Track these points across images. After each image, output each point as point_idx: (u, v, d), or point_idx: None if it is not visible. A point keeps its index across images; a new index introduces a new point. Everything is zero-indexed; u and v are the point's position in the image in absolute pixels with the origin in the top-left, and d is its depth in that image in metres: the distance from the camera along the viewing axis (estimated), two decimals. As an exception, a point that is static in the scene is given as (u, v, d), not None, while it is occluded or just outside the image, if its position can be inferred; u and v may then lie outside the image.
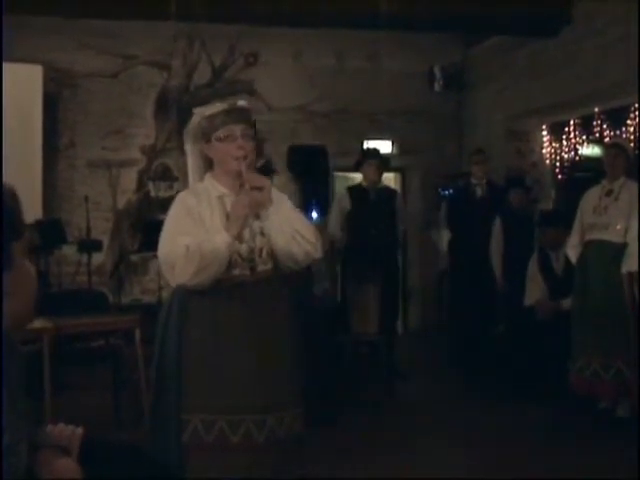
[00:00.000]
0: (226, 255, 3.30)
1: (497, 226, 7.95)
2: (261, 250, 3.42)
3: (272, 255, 3.44)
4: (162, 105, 10.01)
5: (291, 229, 3.38)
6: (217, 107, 3.52)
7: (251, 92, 10.21)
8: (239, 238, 3.37)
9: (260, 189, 3.36)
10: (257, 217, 3.40)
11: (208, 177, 3.56)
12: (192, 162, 3.64)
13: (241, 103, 3.58)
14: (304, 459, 3.59)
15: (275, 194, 3.52)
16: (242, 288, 3.41)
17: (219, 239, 3.30)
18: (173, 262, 3.34)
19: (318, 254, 3.50)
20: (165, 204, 8.87)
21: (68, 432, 2.13)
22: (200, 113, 3.54)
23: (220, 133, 3.45)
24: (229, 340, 3.37)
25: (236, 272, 3.39)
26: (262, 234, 3.42)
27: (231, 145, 3.43)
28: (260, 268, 3.42)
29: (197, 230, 3.34)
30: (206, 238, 3.30)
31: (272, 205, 3.39)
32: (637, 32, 7.14)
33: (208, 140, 3.49)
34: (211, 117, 3.49)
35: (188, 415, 3.36)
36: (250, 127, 3.51)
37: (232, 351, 3.36)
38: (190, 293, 3.44)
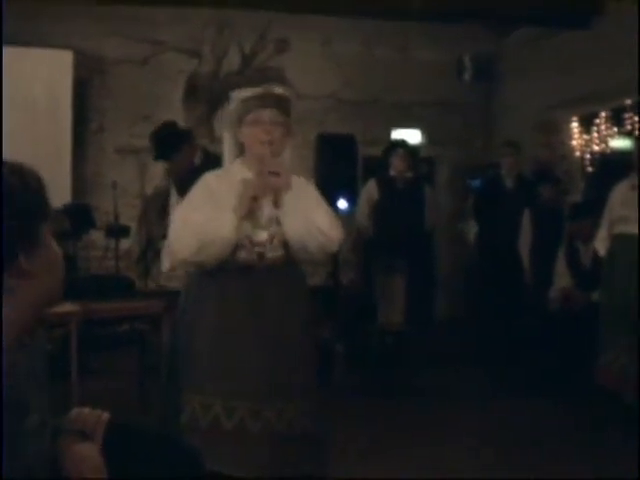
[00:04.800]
0: (230, 236, 3.30)
1: (526, 219, 7.91)
2: (273, 237, 3.41)
3: (284, 244, 3.42)
4: (191, 92, 10.01)
5: (306, 220, 3.36)
6: (251, 91, 3.54)
7: (281, 79, 10.18)
8: (254, 222, 3.36)
9: (277, 174, 3.35)
10: (275, 204, 3.39)
11: (237, 161, 3.58)
12: (226, 146, 3.65)
13: (277, 90, 3.59)
14: (320, 459, 3.55)
15: (300, 182, 3.52)
16: (249, 273, 3.41)
17: (225, 218, 3.31)
18: (179, 238, 3.36)
19: (333, 247, 3.49)
20: (193, 191, 8.90)
21: (94, 417, 2.13)
22: (236, 97, 3.56)
23: (250, 117, 3.46)
24: (232, 325, 3.38)
25: (242, 255, 3.39)
26: (277, 222, 3.41)
27: (258, 129, 3.44)
28: (269, 255, 3.42)
29: (210, 210, 3.35)
30: (213, 217, 3.31)
31: (291, 192, 3.38)
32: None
33: (240, 124, 3.50)
34: (245, 101, 3.51)
35: (188, 396, 3.39)
36: (282, 114, 3.49)
37: (234, 336, 3.37)
38: (201, 276, 3.46)
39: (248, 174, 3.45)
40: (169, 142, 5.82)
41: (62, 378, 4.91)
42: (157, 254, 9.25)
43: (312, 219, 3.37)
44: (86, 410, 2.15)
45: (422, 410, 6.44)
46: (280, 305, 3.43)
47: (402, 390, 7.00)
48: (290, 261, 3.47)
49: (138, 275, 8.66)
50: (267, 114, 3.44)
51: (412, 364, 7.44)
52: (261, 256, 3.40)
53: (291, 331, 3.44)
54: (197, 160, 5.79)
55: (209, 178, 3.55)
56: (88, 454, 1.99)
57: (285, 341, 3.41)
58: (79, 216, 8.22)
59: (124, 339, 6.95)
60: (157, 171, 9.82)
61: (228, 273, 3.40)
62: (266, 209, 3.42)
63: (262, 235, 3.40)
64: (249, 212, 3.36)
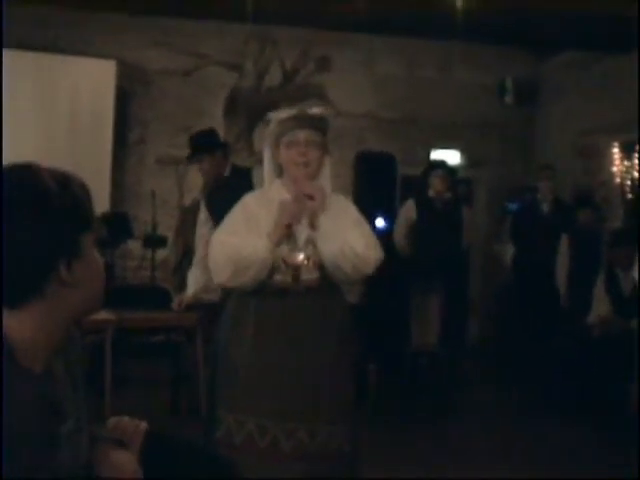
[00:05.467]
0: (265, 260, 3.31)
1: (564, 244, 7.88)
2: (309, 259, 3.39)
3: (320, 265, 3.40)
4: (232, 106, 10.05)
5: (341, 241, 3.33)
6: (287, 112, 3.53)
7: (321, 96, 10.22)
8: (291, 245, 3.37)
9: (312, 197, 3.35)
10: (311, 226, 3.38)
11: (276, 182, 3.57)
12: (266, 167, 3.63)
13: (313, 110, 3.57)
14: (353, 477, 3.53)
15: (339, 201, 3.52)
16: (285, 295, 3.40)
17: (260, 244, 3.31)
18: (216, 262, 3.37)
19: (369, 268, 3.44)
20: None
21: (132, 426, 2.13)
22: (273, 118, 3.56)
23: (285, 138, 3.46)
24: (268, 345, 3.38)
25: (278, 278, 3.39)
26: (313, 243, 3.39)
27: (293, 150, 3.44)
28: (305, 277, 3.40)
29: (248, 233, 3.37)
30: (248, 242, 3.32)
31: (327, 213, 3.37)
32: None
33: (277, 146, 3.50)
34: (280, 122, 3.50)
35: (224, 412, 3.40)
36: (318, 134, 3.48)
37: (269, 356, 3.37)
38: (239, 295, 3.47)
39: (286, 195, 3.45)
40: (205, 144, 5.93)
41: (95, 385, 4.94)
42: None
43: (347, 240, 3.33)
44: (125, 419, 2.15)
45: (456, 430, 6.42)
46: (316, 327, 3.41)
47: (436, 411, 6.98)
48: (327, 282, 3.45)
49: (174, 286, 8.68)
50: (302, 135, 3.43)
51: (445, 385, 7.41)
52: (296, 278, 3.39)
53: (327, 353, 3.41)
54: (227, 172, 5.88)
55: (248, 200, 3.56)
56: (126, 463, 1.99)
57: (321, 363, 3.39)
58: (117, 225, 8.28)
59: (159, 349, 6.97)
60: (196, 182, 9.85)
61: (265, 294, 3.41)
62: (303, 231, 3.41)
63: (298, 257, 3.39)
64: (284, 236, 3.36)
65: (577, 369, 6.95)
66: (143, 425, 2.15)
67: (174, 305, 5.68)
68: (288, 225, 3.35)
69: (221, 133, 9.88)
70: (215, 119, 9.94)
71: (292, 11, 7.95)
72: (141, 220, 8.92)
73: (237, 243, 3.35)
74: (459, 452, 5.76)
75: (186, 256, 9.25)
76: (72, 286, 1.70)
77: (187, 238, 9.64)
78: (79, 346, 1.99)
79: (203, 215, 5.76)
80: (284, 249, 3.37)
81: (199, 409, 5.55)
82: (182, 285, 6.17)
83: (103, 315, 5.24)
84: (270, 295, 3.40)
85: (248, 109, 9.99)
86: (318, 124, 3.51)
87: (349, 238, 3.35)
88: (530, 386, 7.58)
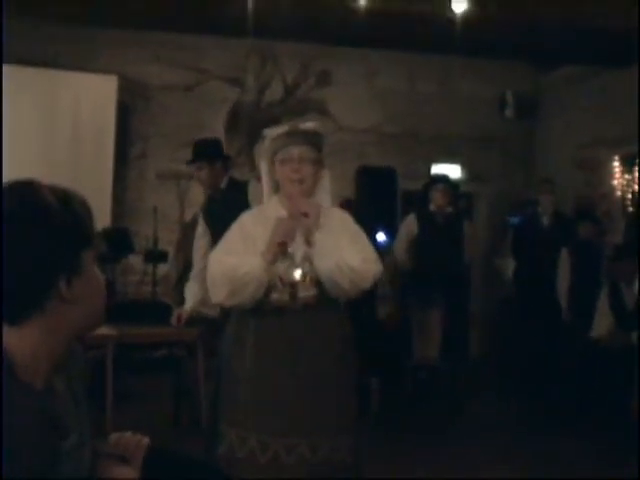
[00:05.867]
0: (260, 279, 3.30)
1: (564, 257, 7.88)
2: (306, 276, 3.38)
3: (318, 282, 3.38)
4: (233, 120, 10.07)
5: (337, 256, 3.31)
6: (280, 129, 3.53)
7: (322, 111, 10.24)
8: (289, 262, 3.36)
9: (306, 215, 3.35)
10: (307, 243, 3.37)
11: (274, 199, 3.57)
12: (264, 183, 3.64)
13: (307, 125, 3.56)
14: None
15: (336, 216, 3.52)
16: (283, 313, 3.39)
17: (255, 263, 3.30)
18: (213, 281, 3.38)
19: (366, 283, 3.42)
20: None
21: (134, 442, 2.13)
22: (268, 135, 3.55)
23: (280, 155, 3.47)
24: (268, 362, 3.38)
25: (275, 296, 3.38)
26: (310, 260, 3.38)
27: (287, 167, 3.44)
28: (302, 294, 3.38)
29: (245, 251, 3.36)
30: (243, 261, 3.31)
31: (323, 229, 3.37)
32: None
33: (273, 162, 3.51)
34: (275, 139, 3.50)
35: (226, 428, 3.41)
36: (312, 150, 3.48)
37: (270, 373, 3.37)
38: (240, 312, 3.46)
39: (282, 212, 3.45)
40: (207, 151, 5.95)
41: (96, 400, 4.93)
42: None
43: (343, 256, 3.31)
44: (127, 434, 2.15)
45: (457, 443, 6.41)
46: (315, 344, 3.39)
47: (437, 424, 6.97)
48: (325, 299, 3.42)
49: (175, 301, 8.68)
50: (296, 152, 3.43)
51: (446, 399, 7.40)
52: (293, 296, 3.37)
53: (327, 369, 3.40)
54: (223, 184, 5.90)
55: (245, 219, 3.57)
56: (128, 478, 1.99)
57: (321, 379, 3.38)
58: (118, 240, 8.28)
59: (160, 364, 6.98)
60: (197, 197, 9.87)
61: (264, 312, 3.40)
62: (299, 248, 3.39)
63: (296, 274, 3.37)
64: (279, 254, 3.35)
65: (579, 382, 6.95)
66: (145, 440, 2.14)
67: (173, 320, 5.69)
68: (282, 243, 3.34)
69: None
70: (216, 134, 9.93)
71: (293, 26, 7.97)
72: (142, 235, 8.92)
73: (234, 262, 3.34)
74: (460, 465, 5.75)
75: (187, 271, 9.27)
76: (72, 302, 1.70)
77: (188, 253, 9.65)
78: (81, 361, 1.99)
79: (201, 228, 5.82)
80: (281, 267, 3.36)
81: (200, 423, 5.55)
82: (183, 300, 6.18)
83: (104, 330, 5.25)
84: (269, 313, 3.39)
85: (249, 124, 10.01)
86: (312, 140, 3.50)
87: (345, 253, 3.32)
88: (531, 399, 7.58)
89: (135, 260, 8.92)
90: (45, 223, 1.64)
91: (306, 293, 3.38)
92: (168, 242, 8.91)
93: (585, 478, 5.45)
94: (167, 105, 9.78)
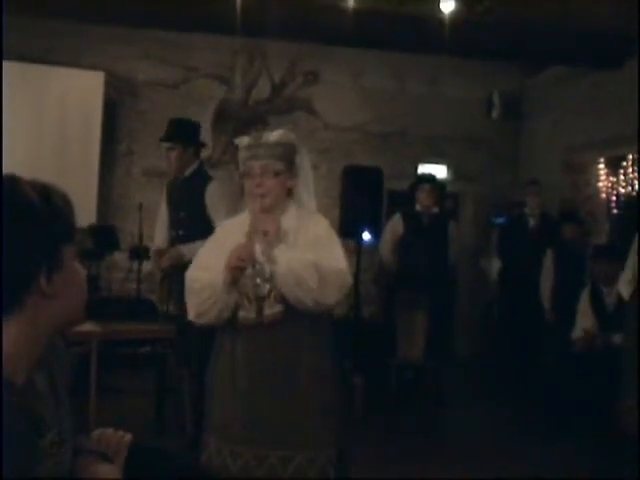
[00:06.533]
0: (224, 301, 3.30)
1: (548, 258, 7.91)
2: (270, 293, 3.33)
3: (283, 298, 3.32)
4: (220, 118, 10.06)
5: (295, 274, 3.24)
6: (245, 140, 3.45)
7: (309, 110, 10.25)
8: (256, 278, 3.32)
9: (266, 232, 3.32)
10: (269, 260, 3.31)
11: (247, 210, 3.53)
12: (245, 192, 3.56)
13: (271, 136, 3.43)
14: None
15: (310, 228, 3.44)
16: (252, 330, 3.36)
17: (217, 285, 3.28)
18: (188, 297, 3.41)
19: (328, 300, 3.33)
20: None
21: (116, 438, 2.12)
22: (238, 144, 3.49)
23: (244, 168, 3.43)
24: (239, 378, 3.37)
25: (242, 314, 3.36)
26: (272, 277, 3.32)
27: (250, 182, 3.39)
28: (267, 311, 3.34)
29: (218, 265, 3.31)
30: (209, 282, 3.30)
31: (283, 248, 3.30)
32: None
33: (242, 174, 3.47)
34: (241, 150, 3.45)
35: (206, 436, 3.46)
36: (278, 161, 3.39)
37: (244, 387, 3.36)
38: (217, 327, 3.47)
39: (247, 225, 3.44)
40: (183, 132, 5.93)
41: (79, 396, 4.93)
42: (179, 278, 9.26)
43: (302, 276, 3.23)
44: (109, 431, 2.14)
45: (439, 445, 6.42)
46: (284, 359, 3.36)
47: (420, 425, 6.98)
48: (292, 314, 3.34)
49: (159, 297, 8.67)
50: (257, 166, 3.37)
51: (430, 399, 7.41)
52: (260, 312, 3.34)
53: (299, 382, 3.36)
54: (188, 172, 5.89)
55: (220, 231, 3.60)
56: (109, 475, 1.98)
57: (292, 393, 3.36)
58: (104, 237, 8.26)
59: (144, 361, 6.97)
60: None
61: (234, 328, 3.39)
62: (266, 264, 3.33)
63: (263, 290, 3.33)
64: (237, 278, 3.30)
65: (561, 384, 6.96)
66: (127, 437, 2.14)
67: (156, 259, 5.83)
68: (237, 268, 3.28)
69: (209, 145, 9.94)
70: (203, 131, 9.94)
71: (281, 25, 7.96)
72: (127, 232, 8.89)
73: (200, 285, 3.34)
74: (444, 467, 5.77)
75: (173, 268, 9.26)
76: (53, 297, 1.70)
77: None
78: (64, 357, 1.99)
79: (162, 208, 6.13)
80: (248, 284, 3.33)
81: (184, 421, 5.55)
82: (168, 298, 6.18)
83: (89, 327, 5.25)
84: (239, 329, 3.38)
85: (236, 122, 10.00)
86: (275, 152, 3.39)
87: (303, 272, 3.23)
88: (517, 400, 7.60)
89: (120, 257, 8.90)
90: (25, 217, 1.64)
91: (272, 310, 3.34)
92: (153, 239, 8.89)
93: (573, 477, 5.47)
94: (154, 102, 9.77)
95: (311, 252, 3.32)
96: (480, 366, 9.37)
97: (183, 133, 5.92)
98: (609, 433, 6.02)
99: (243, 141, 3.46)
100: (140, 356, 7.15)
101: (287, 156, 3.44)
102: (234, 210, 5.41)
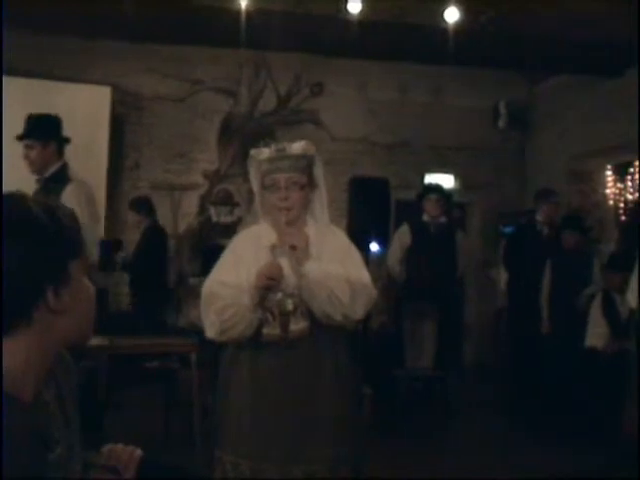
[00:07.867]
0: (249, 319, 3.23)
1: (548, 268, 7.85)
2: (296, 308, 3.27)
3: (309, 313, 3.29)
4: (226, 131, 10.08)
5: (327, 289, 3.21)
6: (266, 153, 3.38)
7: (315, 122, 10.27)
8: (281, 293, 3.24)
9: (294, 247, 3.28)
10: (298, 275, 3.26)
11: (265, 224, 3.46)
12: (257, 203, 3.52)
13: (293, 148, 3.40)
14: None
15: (327, 240, 3.41)
16: (274, 345, 3.31)
17: (242, 303, 3.22)
18: (206, 316, 3.32)
19: (358, 315, 3.32)
20: (226, 229, 8.94)
21: (127, 454, 2.12)
22: (254, 156, 3.42)
23: (267, 180, 3.36)
24: (263, 393, 3.32)
25: (266, 331, 3.30)
26: (300, 292, 3.26)
27: (274, 195, 3.33)
28: (293, 327, 3.29)
29: (238, 277, 3.27)
30: (233, 300, 3.23)
31: (311, 262, 3.27)
32: None
33: (261, 186, 3.40)
34: (261, 162, 3.38)
35: (220, 453, 3.38)
36: (301, 175, 3.36)
37: (264, 404, 3.31)
38: (237, 344, 3.41)
39: (274, 240, 3.34)
40: (40, 128, 5.47)
41: (88, 411, 4.92)
42: (189, 291, 9.28)
43: (333, 290, 3.21)
44: (119, 446, 2.13)
45: (449, 455, 6.40)
46: (308, 376, 3.33)
47: (429, 435, 6.96)
48: (317, 330, 3.32)
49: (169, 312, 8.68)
50: (282, 179, 3.32)
51: (440, 409, 7.40)
52: (285, 329, 3.28)
53: (323, 399, 3.34)
54: (49, 173, 5.36)
55: (237, 243, 3.47)
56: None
57: (316, 409, 3.33)
58: (112, 251, 8.26)
59: (153, 375, 6.96)
60: (190, 208, 9.89)
61: (257, 346, 3.33)
62: (291, 279, 3.28)
63: (288, 306, 3.26)
64: (265, 296, 3.24)
65: (572, 392, 6.95)
66: (138, 452, 2.13)
67: None
68: (265, 287, 3.22)
69: (215, 158, 9.97)
70: (209, 144, 9.99)
71: (286, 37, 7.98)
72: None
73: (223, 303, 3.25)
74: (454, 474, 5.75)
75: (181, 282, 9.29)
76: (61, 313, 1.69)
77: (182, 265, 9.67)
78: (72, 372, 1.98)
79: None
80: (272, 300, 3.26)
81: (193, 435, 5.53)
82: (177, 311, 6.18)
83: (97, 341, 5.23)
84: (262, 346, 3.32)
85: (242, 134, 10.02)
86: (299, 164, 3.37)
87: (336, 287, 3.22)
88: (525, 409, 7.57)
89: (129, 271, 8.91)
90: (31, 234, 1.64)
91: (298, 326, 3.29)
92: (162, 253, 8.88)
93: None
94: (160, 116, 9.80)
95: (339, 266, 3.30)
96: (490, 376, 9.34)
97: (42, 129, 5.46)
98: (617, 438, 6.02)
99: (262, 153, 3.39)
100: (148, 371, 7.14)
101: (308, 168, 3.41)
102: (97, 217, 5.23)
